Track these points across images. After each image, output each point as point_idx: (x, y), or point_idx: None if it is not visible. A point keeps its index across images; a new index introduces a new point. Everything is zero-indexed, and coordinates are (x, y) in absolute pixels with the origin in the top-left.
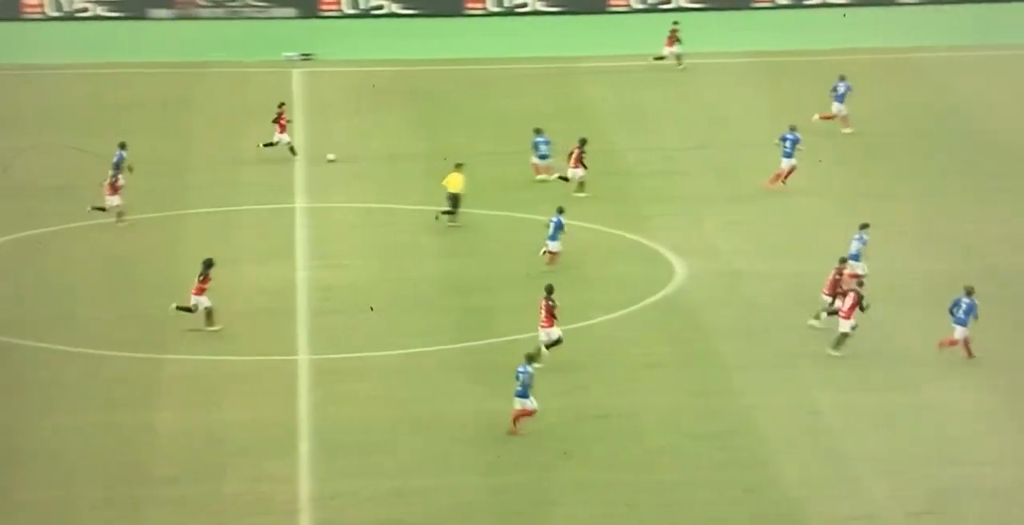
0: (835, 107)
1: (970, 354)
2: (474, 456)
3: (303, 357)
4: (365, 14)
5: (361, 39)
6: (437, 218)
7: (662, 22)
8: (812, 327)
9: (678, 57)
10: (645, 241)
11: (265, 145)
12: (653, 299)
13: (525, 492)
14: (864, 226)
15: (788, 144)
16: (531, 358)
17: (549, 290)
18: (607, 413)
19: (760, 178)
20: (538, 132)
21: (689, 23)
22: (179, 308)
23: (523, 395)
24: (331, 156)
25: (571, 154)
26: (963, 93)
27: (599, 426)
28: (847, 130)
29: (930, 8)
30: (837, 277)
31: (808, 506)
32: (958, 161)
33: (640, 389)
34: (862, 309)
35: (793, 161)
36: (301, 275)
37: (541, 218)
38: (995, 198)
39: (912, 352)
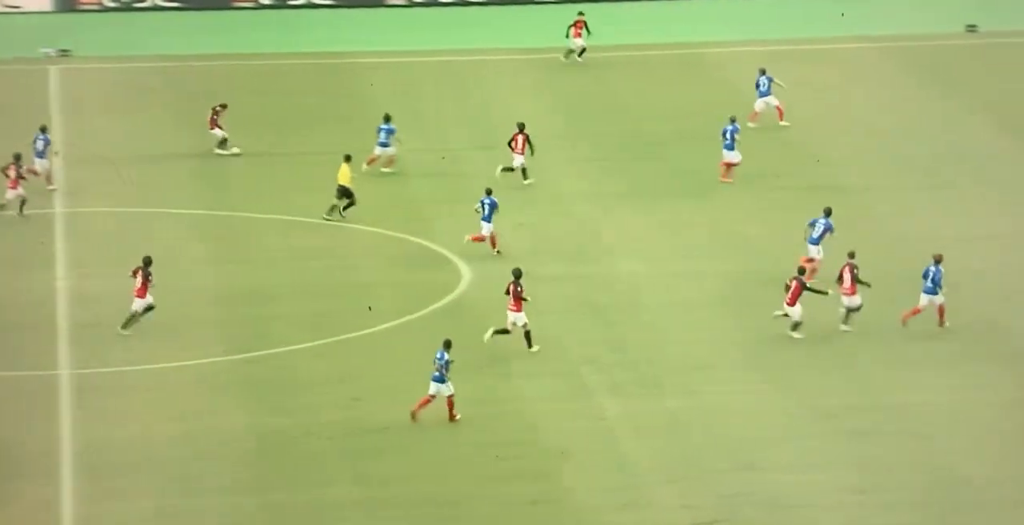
0: (758, 104)
1: (942, 323)
2: (245, 474)
3: (64, 372)
4: (127, 7)
5: (123, 34)
6: (329, 213)
7: (441, 17)
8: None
9: (572, 51)
10: (430, 244)
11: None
12: (438, 305)
13: (298, 511)
14: (828, 212)
15: (728, 136)
16: (447, 345)
17: (517, 274)
18: (387, 426)
19: (547, 178)
20: (386, 119)
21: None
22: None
23: (439, 380)
24: (236, 149)
25: (513, 141)
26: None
27: (379, 440)
28: (783, 123)
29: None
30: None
31: (596, 517)
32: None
33: (420, 400)
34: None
35: (736, 153)
36: (60, 285)
37: (314, 221)
38: (780, 198)
39: (696, 356)
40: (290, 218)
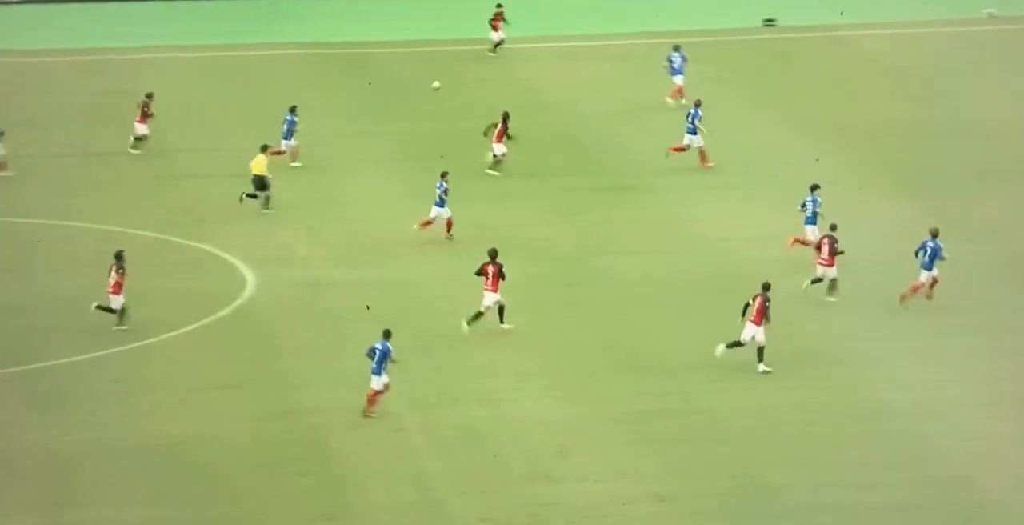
0: (676, 80)
1: (930, 296)
2: (31, 493)
3: None
4: None
5: None
6: (241, 200)
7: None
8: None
9: (497, 44)
10: (213, 250)
11: (135, 139)
12: (222, 314)
13: None
14: (815, 187)
15: (690, 120)
16: (387, 334)
17: (493, 254)
18: (174, 442)
19: (333, 178)
20: (291, 110)
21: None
22: (99, 307)
23: (377, 372)
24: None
25: (492, 130)
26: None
27: (171, 456)
28: (682, 101)
29: None
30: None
31: None
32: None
33: (209, 413)
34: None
35: (699, 138)
36: None
37: (113, 229)
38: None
39: (496, 364)
40: (76, 225)
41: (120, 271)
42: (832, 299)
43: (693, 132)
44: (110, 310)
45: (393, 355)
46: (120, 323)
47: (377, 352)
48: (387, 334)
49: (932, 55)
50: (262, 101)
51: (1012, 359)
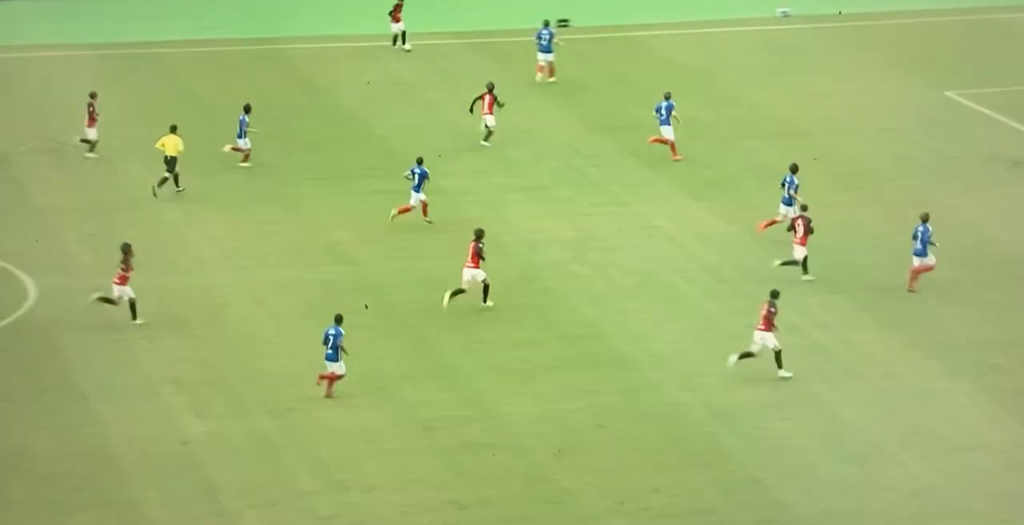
0: (541, 57)
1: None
2: None
3: None
4: None
5: None
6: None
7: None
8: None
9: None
10: None
11: (82, 141)
12: (2, 324)
13: None
14: (794, 170)
15: (663, 112)
16: (339, 319)
17: (479, 234)
18: None
19: (122, 183)
20: (245, 110)
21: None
22: (100, 299)
23: (333, 359)
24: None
25: (479, 103)
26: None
27: None
28: (551, 79)
29: None
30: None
31: None
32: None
33: None
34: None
35: (670, 129)
36: None
37: None
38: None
39: (287, 371)
40: None
41: (126, 264)
42: (809, 278)
43: (666, 123)
44: (110, 301)
45: (342, 343)
46: (133, 317)
47: (331, 338)
48: (339, 319)
49: (726, 55)
50: (36, 103)
51: (801, 359)
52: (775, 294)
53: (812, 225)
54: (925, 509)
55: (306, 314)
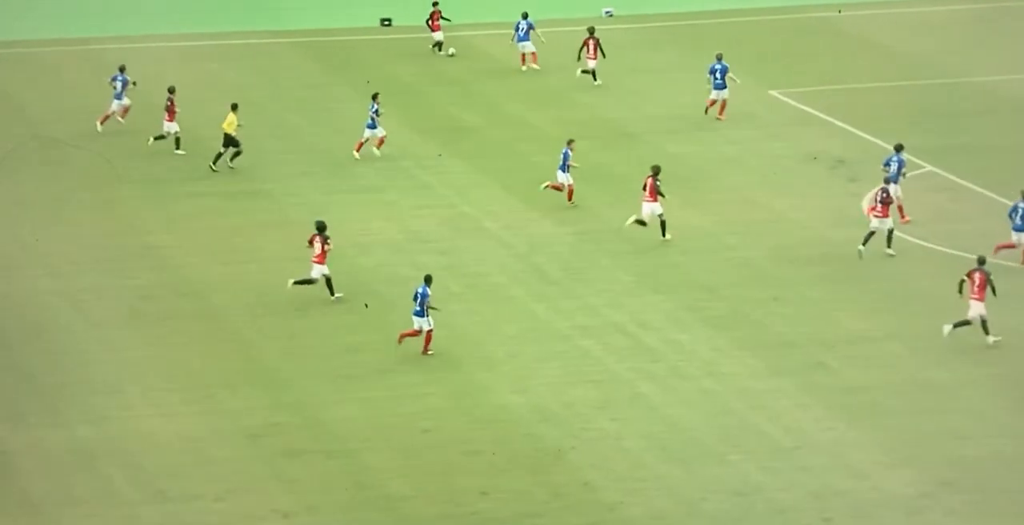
0: (522, 46)
1: None
2: None
3: None
4: None
5: None
6: (215, 162)
7: None
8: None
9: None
10: None
11: (156, 138)
12: None
13: None
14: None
15: (718, 75)
16: (428, 280)
17: (656, 170)
18: None
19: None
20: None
21: None
22: (297, 283)
23: (420, 314)
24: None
25: (584, 46)
26: None
27: None
28: (535, 65)
29: None
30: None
31: None
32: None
33: None
34: None
35: (725, 93)
36: None
37: None
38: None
39: (105, 379)
40: None
41: (325, 242)
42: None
43: (722, 87)
44: (309, 282)
45: (430, 301)
46: (333, 293)
47: (419, 296)
48: (428, 279)
49: (553, 55)
50: None
51: (627, 360)
52: (982, 261)
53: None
54: (752, 508)
55: (123, 320)
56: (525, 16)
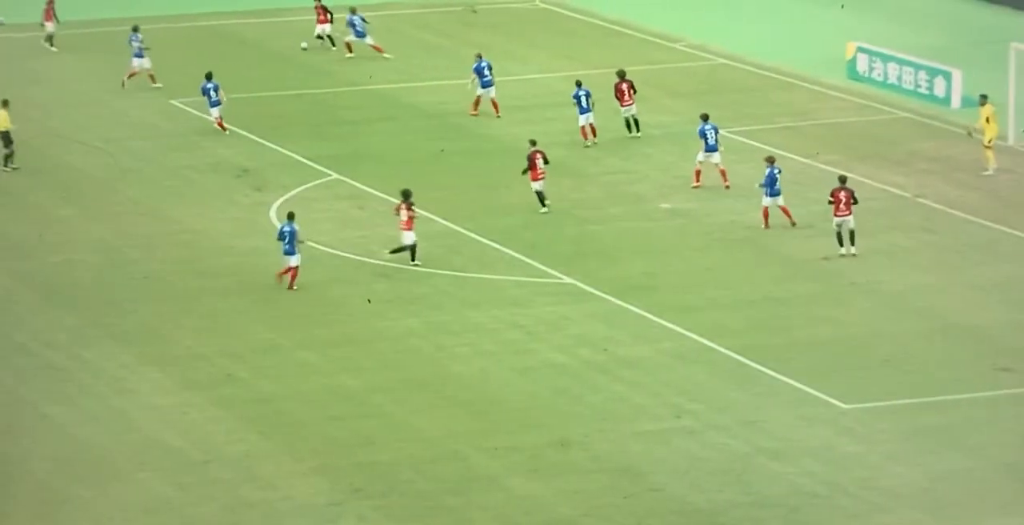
0: (366, 40)
1: None
2: None
3: None
4: None
5: None
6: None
7: None
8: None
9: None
10: None
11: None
12: None
13: None
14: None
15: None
16: (292, 216)
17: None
18: None
19: None
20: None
21: None
22: (394, 251)
23: (290, 252)
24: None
25: (618, 93)
26: None
27: None
28: (387, 55)
29: None
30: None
31: None
32: None
33: None
34: None
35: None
36: None
37: None
38: None
39: None
40: None
41: (411, 209)
42: (545, 210)
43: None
44: (403, 249)
45: (300, 236)
46: (414, 259)
47: (287, 233)
48: (291, 216)
49: None
50: None
51: (31, 381)
52: (843, 179)
53: (544, 158)
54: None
55: None
56: (353, 11)
